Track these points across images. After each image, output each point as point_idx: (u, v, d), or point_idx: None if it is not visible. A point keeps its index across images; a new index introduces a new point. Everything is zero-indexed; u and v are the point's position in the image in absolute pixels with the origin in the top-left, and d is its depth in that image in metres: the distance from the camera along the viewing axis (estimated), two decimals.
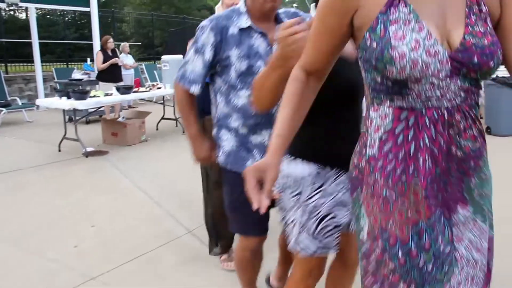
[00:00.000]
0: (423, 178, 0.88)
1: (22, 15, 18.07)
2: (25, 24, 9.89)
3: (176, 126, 6.80)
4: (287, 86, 1.02)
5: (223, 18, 1.58)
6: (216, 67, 1.60)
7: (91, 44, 9.11)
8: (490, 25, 0.86)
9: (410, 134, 0.88)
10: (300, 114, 1.01)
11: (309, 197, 1.32)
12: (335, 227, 1.34)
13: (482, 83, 1.35)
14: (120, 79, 7.22)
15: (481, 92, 4.10)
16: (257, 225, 1.67)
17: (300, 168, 1.31)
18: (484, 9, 0.86)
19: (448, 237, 0.90)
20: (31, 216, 3.25)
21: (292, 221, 1.35)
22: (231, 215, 1.73)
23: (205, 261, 2.49)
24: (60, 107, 5.08)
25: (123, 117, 6.03)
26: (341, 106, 1.31)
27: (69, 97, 5.05)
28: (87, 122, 7.18)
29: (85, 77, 7.67)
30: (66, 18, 18.12)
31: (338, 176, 1.34)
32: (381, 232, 0.92)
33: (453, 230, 0.91)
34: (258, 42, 1.57)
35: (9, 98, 8.07)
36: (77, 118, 5.34)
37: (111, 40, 6.95)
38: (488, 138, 1.00)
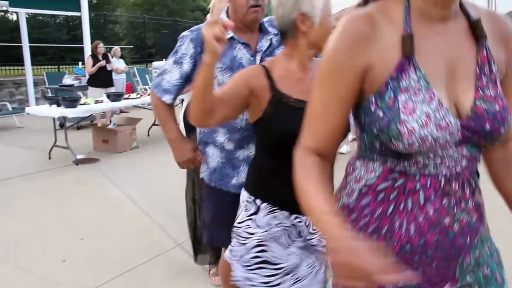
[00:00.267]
0: (396, 243, 0.80)
1: (13, 16, 17.93)
2: (16, 25, 9.80)
3: None
4: (298, 172, 0.84)
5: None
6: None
7: (83, 47, 9.07)
8: (499, 87, 0.79)
9: (393, 194, 0.81)
10: (329, 187, 0.87)
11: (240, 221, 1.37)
12: (266, 262, 1.35)
13: None
14: (111, 84, 7.19)
15: None
16: None
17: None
18: (494, 69, 0.79)
19: None
20: (19, 228, 3.24)
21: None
22: (213, 230, 1.71)
23: (193, 276, 2.51)
24: (50, 115, 5.06)
25: (114, 124, 6.01)
26: (282, 152, 1.30)
27: (59, 105, 5.03)
28: (78, 128, 7.15)
29: (76, 83, 7.63)
30: (58, 20, 18.02)
31: (273, 211, 1.34)
32: None
33: None
34: (241, 53, 1.54)
35: None
36: (68, 125, 5.31)
37: (101, 45, 6.93)
38: None
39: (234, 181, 1.58)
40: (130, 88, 8.77)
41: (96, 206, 3.72)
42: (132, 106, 6.08)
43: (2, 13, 18.25)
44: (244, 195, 1.39)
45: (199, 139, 1.70)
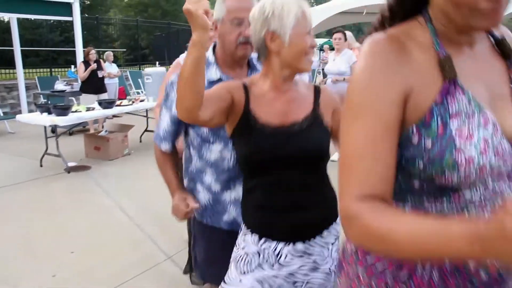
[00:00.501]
0: None
1: (5, 18, 17.80)
2: (8, 27, 9.72)
3: None
4: (370, 224, 0.63)
5: None
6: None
7: (75, 50, 9.01)
8: None
9: None
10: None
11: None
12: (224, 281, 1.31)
13: None
14: (104, 90, 7.17)
15: None
16: None
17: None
18: None
19: None
20: (7, 241, 3.22)
21: None
22: (205, 267, 1.65)
23: None
24: (40, 123, 5.04)
25: (105, 131, 5.99)
26: (249, 173, 1.29)
27: (50, 113, 5.01)
28: (70, 134, 7.12)
29: (67, 88, 7.60)
30: (51, 21, 17.90)
31: (245, 233, 1.31)
32: None
33: None
34: None
35: None
36: (59, 133, 5.28)
37: (93, 51, 6.91)
38: None
39: (225, 217, 1.53)
40: (123, 93, 8.73)
41: (87, 217, 3.71)
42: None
43: None
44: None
45: (188, 177, 1.64)
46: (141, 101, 6.13)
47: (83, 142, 5.91)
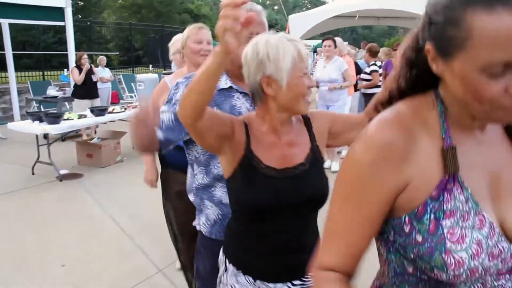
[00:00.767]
0: None
1: None
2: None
3: None
4: None
5: None
6: None
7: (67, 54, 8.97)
8: None
9: None
10: None
11: None
12: None
13: None
14: (97, 95, 7.16)
15: None
16: None
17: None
18: None
19: None
20: None
21: None
22: (207, 279, 1.63)
23: None
24: (32, 131, 5.03)
25: (98, 138, 5.98)
26: (248, 218, 1.24)
27: (41, 121, 4.99)
28: (63, 139, 7.10)
29: (60, 94, 7.57)
30: None
31: (237, 274, 1.28)
32: None
33: None
34: (240, 102, 1.47)
35: None
36: (52, 141, 5.27)
37: (85, 56, 6.90)
38: None
39: None
40: (116, 97, 8.73)
41: (78, 228, 3.71)
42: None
43: None
44: (220, 250, 1.36)
45: (193, 192, 1.61)
46: (134, 107, 6.12)
47: (75, 149, 5.90)
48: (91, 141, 5.91)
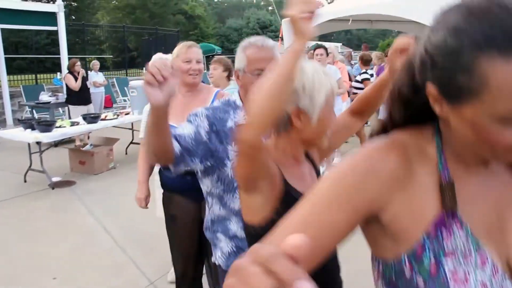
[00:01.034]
0: None
1: None
2: None
3: None
4: None
5: (220, 110, 1.47)
6: (208, 160, 1.44)
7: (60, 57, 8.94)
8: None
9: None
10: None
11: None
12: None
13: None
14: (90, 101, 7.16)
15: None
16: None
17: None
18: None
19: None
20: None
21: None
22: None
23: None
24: (24, 140, 5.01)
25: (90, 145, 5.97)
26: None
27: (33, 129, 4.98)
28: (56, 145, 7.07)
29: (52, 99, 7.55)
30: None
31: None
32: None
33: None
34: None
35: None
36: (44, 148, 5.25)
37: (78, 63, 6.89)
38: None
39: None
40: (109, 101, 8.72)
41: (70, 239, 3.70)
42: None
43: None
44: None
45: (208, 225, 1.58)
46: (127, 114, 6.12)
47: (68, 156, 5.89)
48: (83, 148, 5.90)
